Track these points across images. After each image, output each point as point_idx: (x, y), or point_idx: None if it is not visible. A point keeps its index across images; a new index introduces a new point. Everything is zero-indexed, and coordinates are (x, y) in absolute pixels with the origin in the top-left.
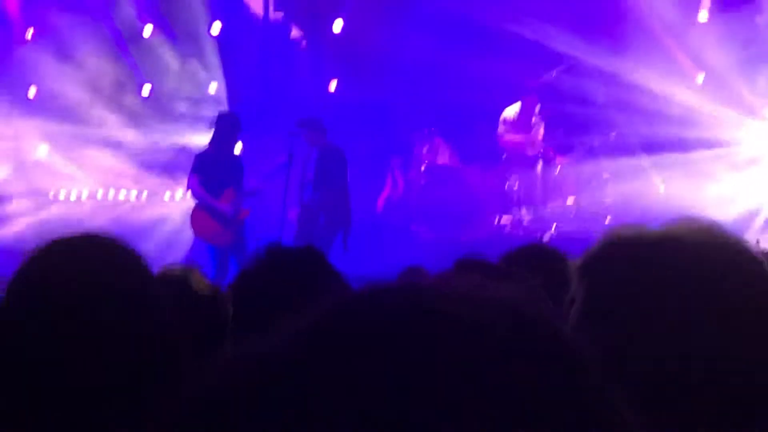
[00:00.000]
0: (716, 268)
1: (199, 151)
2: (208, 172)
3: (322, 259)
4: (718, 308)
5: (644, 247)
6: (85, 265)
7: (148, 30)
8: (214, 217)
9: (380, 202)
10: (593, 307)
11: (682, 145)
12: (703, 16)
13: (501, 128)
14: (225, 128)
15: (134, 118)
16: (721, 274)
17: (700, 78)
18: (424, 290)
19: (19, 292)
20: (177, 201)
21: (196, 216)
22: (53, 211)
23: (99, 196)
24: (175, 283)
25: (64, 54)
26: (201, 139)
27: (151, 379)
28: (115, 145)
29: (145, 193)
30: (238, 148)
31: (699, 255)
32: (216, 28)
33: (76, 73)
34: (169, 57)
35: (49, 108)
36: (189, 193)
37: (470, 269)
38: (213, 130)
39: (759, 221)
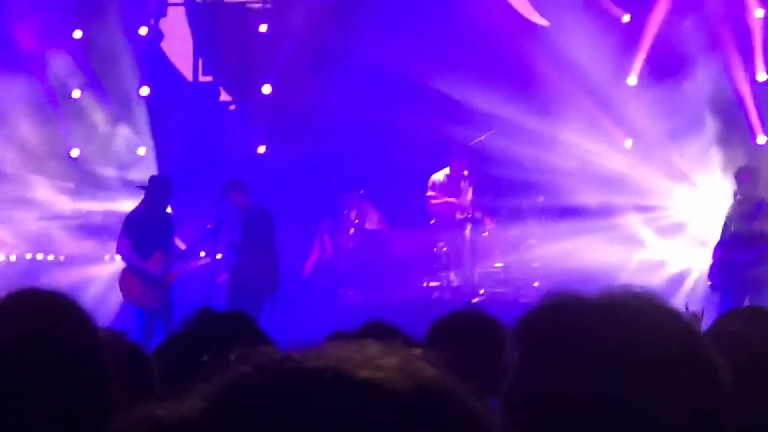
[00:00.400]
0: (649, 331)
1: (129, 213)
2: (139, 234)
3: (252, 324)
4: (650, 369)
5: (582, 311)
6: (43, 317)
7: (77, 92)
8: (143, 280)
9: (308, 265)
10: (530, 369)
11: (610, 210)
12: (632, 80)
13: (430, 192)
14: (157, 190)
15: (63, 181)
16: (652, 337)
17: (629, 143)
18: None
19: None
20: (105, 263)
21: (124, 279)
22: None
23: (28, 257)
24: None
25: None
26: (130, 202)
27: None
28: (43, 208)
29: (62, 257)
30: (168, 210)
31: (633, 319)
32: (145, 90)
33: (5, 133)
34: (98, 119)
35: None
36: (118, 256)
37: (375, 334)
38: (144, 192)
39: (687, 285)
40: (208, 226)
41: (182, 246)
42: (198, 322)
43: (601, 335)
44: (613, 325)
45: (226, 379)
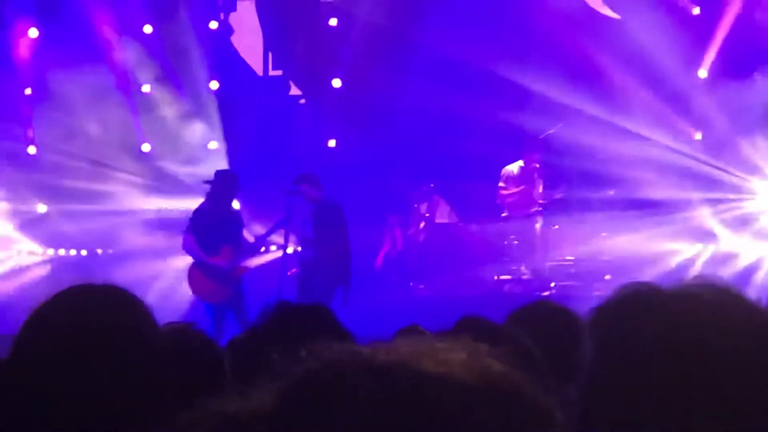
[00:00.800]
0: (726, 323)
1: (195, 209)
2: (205, 229)
3: (331, 317)
4: (729, 361)
5: (658, 303)
6: (97, 311)
7: (147, 86)
8: (210, 275)
9: (379, 259)
10: (606, 360)
11: (680, 202)
12: (702, 73)
13: (501, 185)
14: (222, 185)
15: (133, 175)
16: (730, 329)
17: (699, 135)
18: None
19: (36, 336)
20: (172, 259)
21: (192, 274)
22: (51, 268)
23: (99, 252)
24: (173, 338)
25: (65, 110)
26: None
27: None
28: (112, 203)
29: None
30: (235, 205)
31: (713, 313)
32: (214, 84)
33: (79, 131)
34: (169, 113)
35: (48, 166)
36: (184, 251)
37: (470, 329)
38: (210, 187)
39: (758, 277)
40: (279, 219)
41: (251, 239)
42: (276, 315)
43: (678, 327)
44: (690, 317)
45: (295, 375)
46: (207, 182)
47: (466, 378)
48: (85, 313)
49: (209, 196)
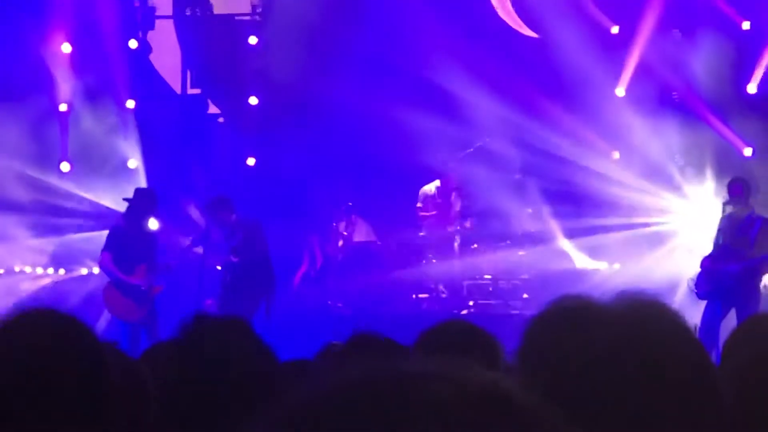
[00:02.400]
0: (654, 338)
1: (112, 227)
2: (122, 247)
3: (250, 330)
4: (651, 375)
5: (582, 315)
6: (47, 336)
7: (63, 105)
8: (126, 294)
9: (297, 277)
10: (527, 369)
11: (598, 221)
12: (620, 91)
13: (419, 205)
14: (140, 203)
15: (54, 194)
16: (656, 344)
17: (617, 154)
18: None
19: None
20: (96, 276)
21: (108, 293)
22: None
23: (17, 270)
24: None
25: None
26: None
27: None
28: (34, 222)
29: (62, 270)
30: (153, 224)
31: (640, 327)
32: (131, 103)
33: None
34: (88, 132)
35: None
36: (99, 269)
37: (365, 346)
38: (128, 205)
39: (679, 294)
40: (198, 236)
41: (172, 262)
42: (194, 328)
43: (597, 339)
44: (610, 329)
45: (291, 404)
46: (126, 200)
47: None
48: (35, 337)
49: (126, 215)
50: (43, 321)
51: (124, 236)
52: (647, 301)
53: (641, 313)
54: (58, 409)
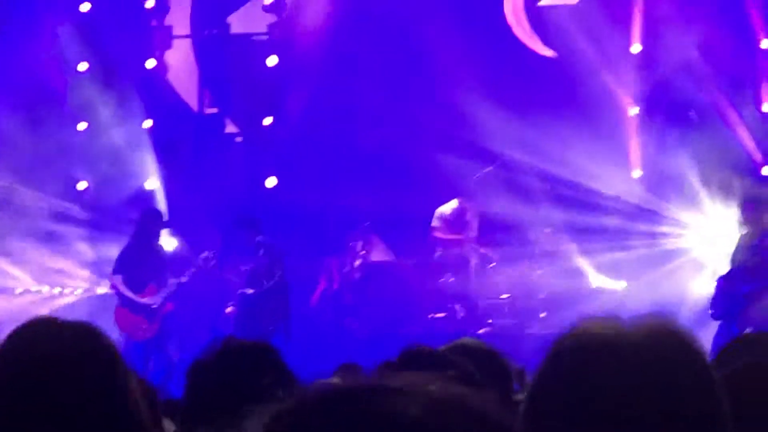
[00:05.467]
0: (668, 368)
1: (123, 248)
2: (132, 267)
3: (275, 354)
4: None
5: (601, 340)
6: (60, 346)
7: (83, 124)
8: (137, 313)
9: (315, 297)
10: (546, 389)
11: (617, 239)
12: (633, 111)
13: (435, 224)
14: (146, 222)
15: (72, 214)
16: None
17: (637, 173)
18: (377, 392)
19: (4, 371)
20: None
21: (119, 312)
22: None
23: (33, 289)
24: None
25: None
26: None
27: None
28: (52, 241)
29: (79, 289)
30: (171, 244)
31: (656, 357)
32: (148, 123)
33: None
34: (106, 152)
35: None
36: (111, 289)
37: (415, 360)
38: (135, 225)
39: (695, 315)
40: (206, 255)
41: (182, 279)
42: (223, 351)
43: (613, 365)
44: (626, 357)
45: (286, 409)
46: (134, 220)
47: (436, 405)
48: (54, 345)
49: (135, 234)
50: (56, 328)
51: (134, 256)
52: (664, 329)
53: (659, 343)
54: (74, 416)
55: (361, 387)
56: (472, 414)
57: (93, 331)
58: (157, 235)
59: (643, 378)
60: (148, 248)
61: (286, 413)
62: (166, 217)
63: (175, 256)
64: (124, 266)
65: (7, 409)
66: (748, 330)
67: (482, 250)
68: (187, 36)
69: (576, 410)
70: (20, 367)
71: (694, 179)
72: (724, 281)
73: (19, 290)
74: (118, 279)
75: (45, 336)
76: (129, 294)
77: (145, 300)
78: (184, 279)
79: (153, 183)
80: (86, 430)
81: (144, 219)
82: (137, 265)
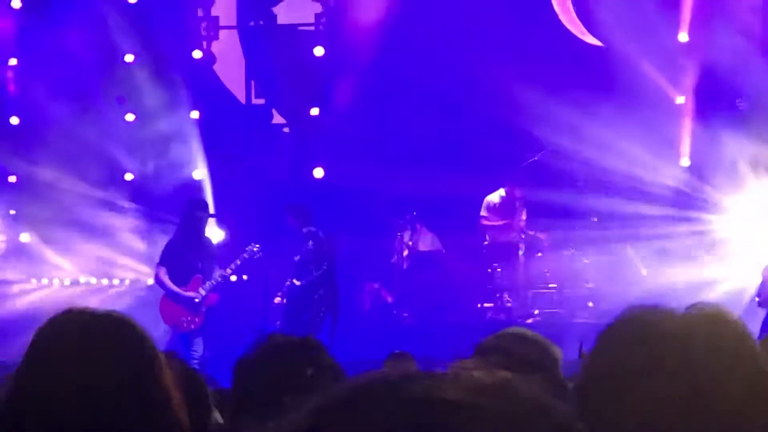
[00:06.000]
0: (716, 353)
1: (168, 240)
2: (177, 259)
3: (322, 349)
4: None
5: (653, 326)
6: (97, 337)
7: (131, 115)
8: (181, 305)
9: (366, 296)
10: (597, 374)
11: (664, 227)
12: (680, 99)
13: (484, 213)
14: (194, 214)
15: (119, 204)
16: (719, 360)
17: (685, 161)
18: (444, 383)
19: (37, 362)
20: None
21: (163, 304)
22: (39, 296)
23: (81, 280)
24: None
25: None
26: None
27: None
28: (100, 232)
29: (128, 280)
30: (218, 235)
31: (701, 339)
32: (195, 114)
33: (64, 157)
34: (154, 141)
35: (32, 192)
36: (156, 283)
37: (490, 354)
38: (180, 217)
39: (743, 303)
40: (254, 248)
41: (227, 270)
42: (269, 346)
43: (666, 350)
44: (678, 342)
45: (325, 398)
46: (179, 211)
47: (492, 402)
48: (87, 335)
49: (181, 225)
50: (87, 318)
51: (180, 247)
52: (714, 315)
53: (709, 328)
54: (108, 409)
55: (400, 375)
56: (516, 397)
57: (124, 321)
58: (203, 226)
59: (694, 362)
60: (194, 239)
61: (324, 401)
62: (212, 208)
63: (221, 248)
64: (169, 257)
65: (37, 396)
66: None
67: (531, 233)
68: (233, 27)
69: (631, 392)
70: (50, 355)
71: (742, 167)
72: None
73: (66, 281)
74: (162, 270)
75: (75, 326)
76: (171, 286)
77: (188, 294)
78: (230, 270)
79: (200, 174)
80: (113, 418)
81: (190, 210)
82: (183, 256)
